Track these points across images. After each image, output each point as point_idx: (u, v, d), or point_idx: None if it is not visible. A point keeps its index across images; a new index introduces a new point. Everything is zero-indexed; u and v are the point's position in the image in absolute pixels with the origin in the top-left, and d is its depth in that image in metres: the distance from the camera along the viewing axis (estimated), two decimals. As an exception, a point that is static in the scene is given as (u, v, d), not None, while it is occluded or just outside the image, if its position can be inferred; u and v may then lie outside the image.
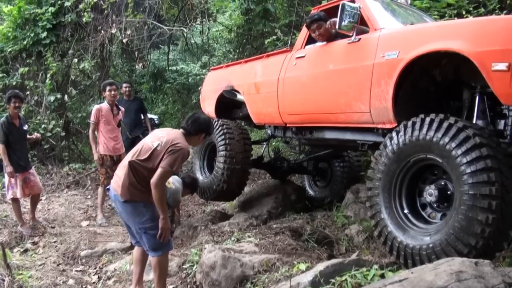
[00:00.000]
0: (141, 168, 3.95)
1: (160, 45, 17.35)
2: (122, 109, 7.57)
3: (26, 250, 6.17)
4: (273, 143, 8.61)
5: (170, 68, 16.23)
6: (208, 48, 15.03)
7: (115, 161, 6.92)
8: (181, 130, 4.17)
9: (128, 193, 3.94)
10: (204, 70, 14.27)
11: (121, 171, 4.06)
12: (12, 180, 6.58)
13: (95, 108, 7.19)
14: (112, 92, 7.14)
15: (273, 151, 7.38)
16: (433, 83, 4.11)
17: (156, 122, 14.71)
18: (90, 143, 7.22)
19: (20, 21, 10.41)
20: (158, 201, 3.88)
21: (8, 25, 10.62)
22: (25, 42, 10.30)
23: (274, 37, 10.00)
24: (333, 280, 3.28)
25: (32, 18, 10.31)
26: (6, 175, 6.60)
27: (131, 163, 3.97)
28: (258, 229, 5.47)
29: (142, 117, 9.41)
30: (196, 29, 15.19)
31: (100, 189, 7.19)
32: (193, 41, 15.59)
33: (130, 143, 9.10)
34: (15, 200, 6.66)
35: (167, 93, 18.01)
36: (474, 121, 3.64)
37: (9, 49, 10.40)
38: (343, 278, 3.27)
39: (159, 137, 4.03)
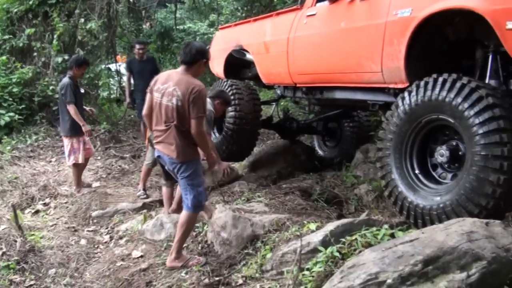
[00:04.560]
0: (184, 129, 3.96)
1: (167, 4, 17.07)
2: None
3: (37, 212, 6.20)
4: (282, 103, 8.55)
5: (177, 27, 16.01)
6: (215, 6, 14.78)
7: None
8: (180, 68, 4.07)
9: (183, 154, 3.98)
10: (211, 29, 14.11)
11: (167, 136, 4.02)
12: (75, 144, 6.41)
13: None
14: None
15: (282, 112, 7.33)
16: (446, 42, 4.03)
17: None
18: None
19: (25, -20, 10.19)
20: (203, 147, 4.11)
21: (13, -15, 10.39)
22: (31, 2, 10.04)
23: (284, -6, 9.81)
24: (343, 240, 3.33)
25: (37, -23, 10.07)
26: (66, 140, 6.47)
27: (177, 127, 3.94)
28: (268, 189, 5.51)
29: None
30: (204, -14, 14.95)
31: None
32: (200, -1, 15.37)
33: None
34: (76, 165, 6.53)
35: (175, 53, 17.83)
36: (486, 81, 3.58)
37: (15, 10, 10.16)
38: (353, 238, 3.31)
39: (170, 92, 3.93)
